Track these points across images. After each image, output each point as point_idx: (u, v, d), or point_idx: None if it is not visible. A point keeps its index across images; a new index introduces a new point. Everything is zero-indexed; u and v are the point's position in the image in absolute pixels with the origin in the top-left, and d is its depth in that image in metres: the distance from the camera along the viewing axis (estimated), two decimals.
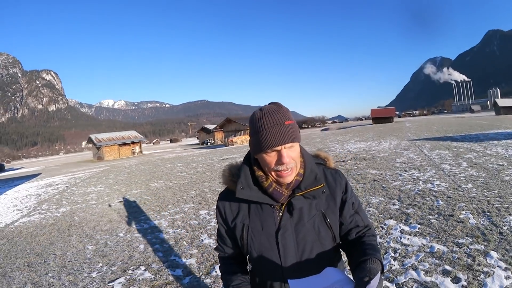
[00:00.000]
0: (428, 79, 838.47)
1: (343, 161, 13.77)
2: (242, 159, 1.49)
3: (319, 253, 1.37)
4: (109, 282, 4.42)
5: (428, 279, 3.57)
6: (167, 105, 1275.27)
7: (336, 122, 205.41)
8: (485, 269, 3.61)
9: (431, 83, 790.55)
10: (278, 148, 1.25)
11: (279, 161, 1.26)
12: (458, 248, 4.19)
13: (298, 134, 1.31)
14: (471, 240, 4.39)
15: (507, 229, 4.60)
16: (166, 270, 4.66)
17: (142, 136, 61.40)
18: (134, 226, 7.28)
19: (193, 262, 4.82)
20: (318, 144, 26.95)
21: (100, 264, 5.15)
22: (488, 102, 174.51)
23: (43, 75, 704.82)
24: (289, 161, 1.26)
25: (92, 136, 55.20)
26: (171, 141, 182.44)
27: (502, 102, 69.41)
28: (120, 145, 54.57)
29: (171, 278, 4.37)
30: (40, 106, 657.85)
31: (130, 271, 4.73)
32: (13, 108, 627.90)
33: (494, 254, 3.90)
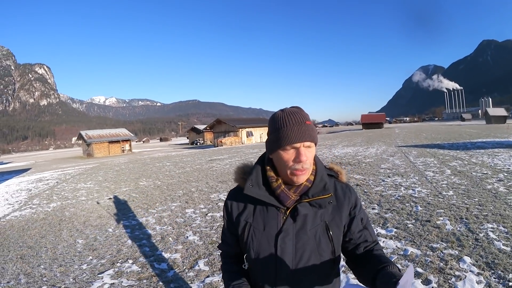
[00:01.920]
0: (419, 86, 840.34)
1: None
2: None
3: (315, 264, 1.35)
4: (98, 274, 4.57)
5: None
6: (158, 104, 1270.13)
7: (326, 126, 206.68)
8: (457, 273, 3.70)
9: (422, 90, 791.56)
10: (297, 145, 1.25)
11: (297, 159, 1.26)
12: (431, 252, 4.31)
13: (316, 136, 1.32)
14: (445, 245, 4.50)
15: (483, 236, 4.69)
16: (152, 263, 4.82)
17: (132, 134, 60.79)
18: (122, 222, 7.40)
19: (177, 257, 4.99)
20: None
21: (90, 257, 5.28)
22: (480, 111, 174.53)
23: (36, 69, 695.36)
24: (306, 160, 1.26)
25: (83, 133, 54.36)
26: (161, 140, 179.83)
27: (493, 111, 69.15)
28: (110, 142, 54.05)
29: (156, 271, 4.53)
30: (31, 100, 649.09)
31: (118, 264, 4.88)
32: (4, 101, 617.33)
33: (467, 259, 3.99)
